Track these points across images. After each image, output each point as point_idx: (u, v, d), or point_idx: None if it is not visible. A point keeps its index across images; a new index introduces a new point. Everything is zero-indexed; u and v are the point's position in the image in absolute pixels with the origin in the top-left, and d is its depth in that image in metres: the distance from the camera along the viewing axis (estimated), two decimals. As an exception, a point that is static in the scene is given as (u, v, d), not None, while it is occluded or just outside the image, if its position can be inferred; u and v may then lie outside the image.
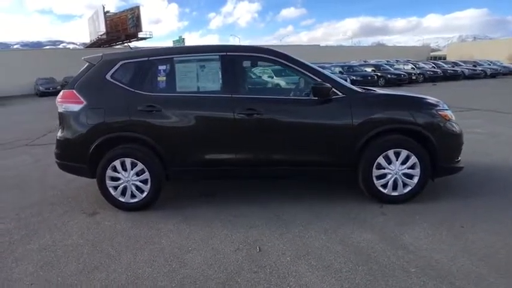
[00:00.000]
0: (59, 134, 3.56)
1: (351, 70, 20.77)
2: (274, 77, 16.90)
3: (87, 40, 53.67)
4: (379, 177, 3.39)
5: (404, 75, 20.34)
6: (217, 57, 3.47)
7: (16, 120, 12.48)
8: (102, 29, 46.52)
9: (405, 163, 3.35)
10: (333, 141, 3.35)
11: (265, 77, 16.70)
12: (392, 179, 3.38)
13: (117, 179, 3.46)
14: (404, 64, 23.77)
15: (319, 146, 3.37)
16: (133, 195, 3.49)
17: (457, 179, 4.01)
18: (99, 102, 3.42)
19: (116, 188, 3.48)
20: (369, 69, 21.49)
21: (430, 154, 3.35)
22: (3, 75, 29.68)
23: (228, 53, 3.46)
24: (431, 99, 3.56)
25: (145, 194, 3.48)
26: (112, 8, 45.85)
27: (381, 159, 3.34)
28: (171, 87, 3.49)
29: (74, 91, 3.47)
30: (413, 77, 20.87)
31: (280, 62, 3.45)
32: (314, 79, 3.38)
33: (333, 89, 3.32)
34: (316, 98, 3.27)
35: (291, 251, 2.66)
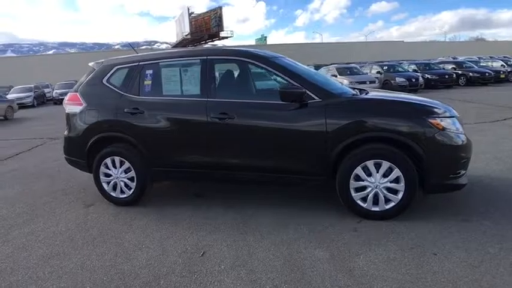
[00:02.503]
0: (65, 132, 3.99)
1: (427, 68, 18.89)
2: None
3: (176, 40, 58.35)
4: (358, 189, 3.09)
5: (489, 73, 17.74)
6: (199, 61, 3.52)
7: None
8: (187, 29, 50.18)
9: (387, 176, 2.99)
10: (306, 149, 3.14)
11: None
12: (373, 192, 3.05)
13: (109, 175, 3.75)
14: (492, 61, 20.78)
15: (292, 152, 3.20)
16: (122, 191, 3.75)
17: (473, 196, 3.47)
18: (95, 104, 3.75)
19: (108, 183, 3.78)
20: (448, 67, 19.32)
21: (418, 167, 2.95)
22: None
23: (208, 57, 3.49)
24: (430, 105, 3.12)
25: (132, 190, 3.71)
26: (203, 8, 49.20)
27: (359, 170, 3.04)
28: (155, 91, 3.65)
29: (77, 94, 3.86)
30: (502, 75, 18.11)
31: (258, 65, 3.35)
32: (291, 83, 3.21)
33: (308, 93, 3.12)
34: (285, 102, 3.11)
35: (230, 260, 2.60)
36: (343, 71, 17.46)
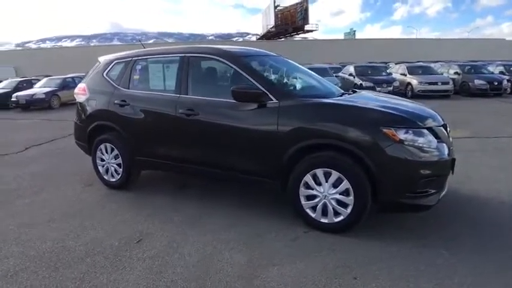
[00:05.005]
0: (75, 118, 4.50)
1: (518, 70, 16.31)
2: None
3: (261, 32, 59.63)
4: (309, 198, 2.93)
5: None
6: (178, 58, 3.66)
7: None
8: (272, 22, 50.91)
9: (337, 187, 2.78)
10: (260, 150, 3.07)
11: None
12: (321, 202, 2.87)
13: (103, 159, 4.15)
14: None
15: (248, 153, 3.16)
16: (112, 175, 4.12)
17: (461, 218, 3.08)
18: (95, 95, 4.15)
19: (103, 167, 4.18)
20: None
21: (371, 181, 2.69)
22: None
23: (186, 55, 3.60)
24: (391, 112, 2.76)
25: (119, 175, 4.06)
26: (292, 0, 49.30)
27: (308, 178, 2.88)
28: (141, 85, 3.91)
29: (85, 85, 4.32)
30: None
31: (225, 62, 3.34)
32: (253, 83, 3.14)
33: (268, 94, 3.02)
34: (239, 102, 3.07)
35: (156, 250, 2.71)
36: (414, 70, 16.04)
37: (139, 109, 3.74)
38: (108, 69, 4.15)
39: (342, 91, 3.69)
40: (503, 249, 2.60)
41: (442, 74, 16.27)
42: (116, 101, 3.89)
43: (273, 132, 2.95)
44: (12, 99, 13.98)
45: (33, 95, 13.88)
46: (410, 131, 2.64)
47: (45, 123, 10.64)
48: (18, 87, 15.71)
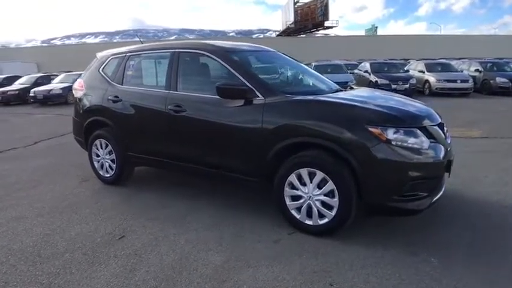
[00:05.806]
0: (73, 114, 4.54)
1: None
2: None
3: (281, 29, 59.23)
4: (293, 198, 2.83)
5: None
6: (169, 54, 3.60)
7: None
8: (291, 18, 50.47)
9: (322, 188, 2.67)
10: (246, 148, 2.99)
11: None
12: (306, 204, 2.76)
13: (98, 155, 4.17)
14: None
15: (233, 151, 3.08)
16: (107, 171, 4.14)
17: (464, 225, 2.89)
18: (91, 91, 4.17)
19: (98, 162, 4.20)
20: None
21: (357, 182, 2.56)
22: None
23: (176, 50, 3.55)
24: (378, 110, 2.63)
25: (113, 171, 4.06)
26: None
27: (293, 178, 2.78)
28: (134, 81, 3.89)
29: (82, 80, 4.35)
30: None
31: (213, 58, 3.26)
32: (240, 79, 3.05)
33: (254, 91, 2.93)
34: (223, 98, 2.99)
35: (135, 248, 2.68)
36: (432, 68, 15.52)
37: (131, 105, 3.72)
38: (104, 65, 4.16)
39: (338, 87, 3.55)
40: (497, 258, 2.43)
41: (462, 71, 15.67)
42: (109, 97, 3.89)
43: (258, 129, 2.86)
44: (31, 94, 14.39)
45: (50, 90, 14.25)
46: (400, 131, 2.49)
47: (59, 118, 10.88)
48: (37, 83, 16.18)
